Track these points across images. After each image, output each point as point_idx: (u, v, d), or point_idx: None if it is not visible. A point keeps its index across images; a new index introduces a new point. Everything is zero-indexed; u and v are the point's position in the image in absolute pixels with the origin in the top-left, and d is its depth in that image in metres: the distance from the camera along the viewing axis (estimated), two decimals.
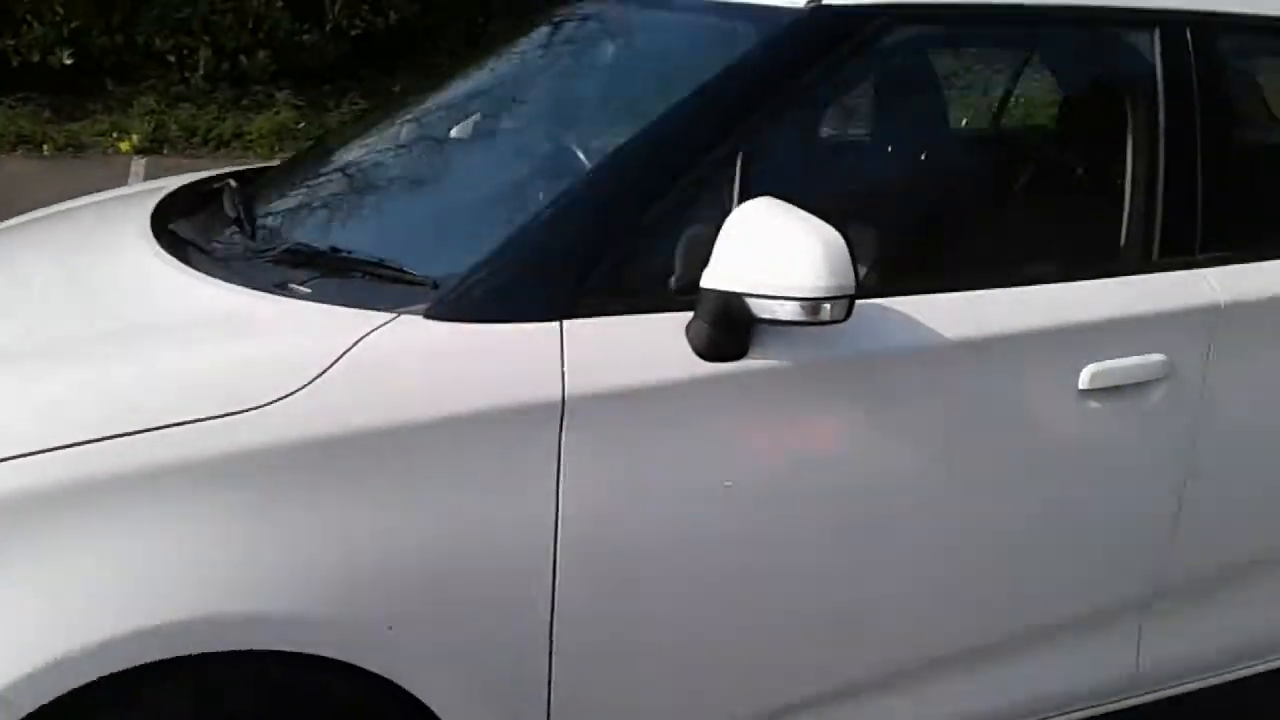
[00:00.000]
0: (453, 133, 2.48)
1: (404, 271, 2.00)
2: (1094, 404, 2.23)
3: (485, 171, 2.37)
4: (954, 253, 2.35)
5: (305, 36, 9.55)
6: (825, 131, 2.57)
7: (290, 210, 2.37)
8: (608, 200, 2.00)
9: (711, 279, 1.90)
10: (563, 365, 1.87)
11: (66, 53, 9.06)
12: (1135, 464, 2.32)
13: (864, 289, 1.97)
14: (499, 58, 2.78)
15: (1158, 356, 2.27)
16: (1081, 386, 2.21)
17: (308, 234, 2.25)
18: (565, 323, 1.90)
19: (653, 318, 1.96)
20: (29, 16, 8.99)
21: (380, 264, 2.05)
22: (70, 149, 8.65)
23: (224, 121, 8.98)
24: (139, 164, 8.50)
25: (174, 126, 8.92)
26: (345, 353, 1.79)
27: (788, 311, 1.86)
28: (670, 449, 1.95)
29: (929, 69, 2.58)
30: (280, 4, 9.47)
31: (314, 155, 2.75)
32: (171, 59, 9.32)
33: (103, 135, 8.81)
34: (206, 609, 1.70)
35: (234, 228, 2.34)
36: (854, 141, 2.73)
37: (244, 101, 9.27)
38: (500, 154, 2.43)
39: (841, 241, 1.84)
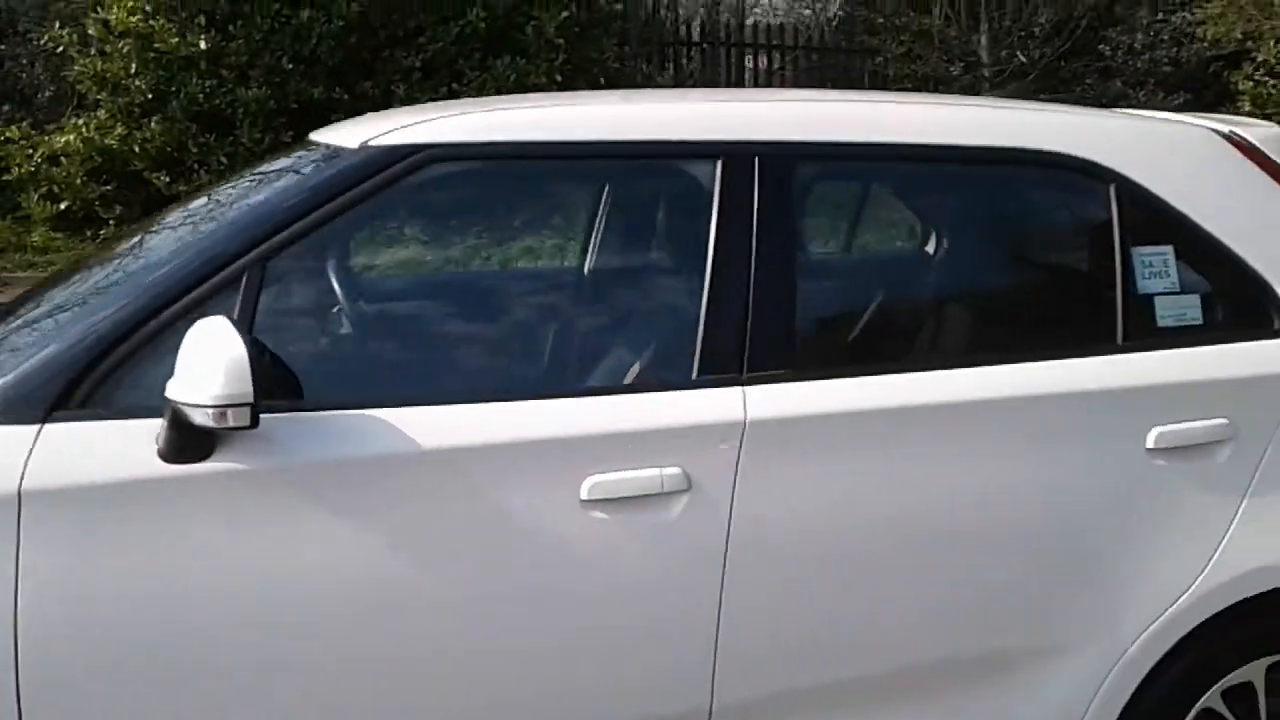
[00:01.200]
0: None
1: None
2: (598, 514, 2.32)
3: (64, 300, 2.64)
4: (456, 366, 2.49)
5: None
6: (364, 256, 2.77)
7: None
8: (104, 315, 2.26)
9: (169, 389, 2.14)
10: (26, 462, 2.14)
11: None
12: (658, 576, 2.36)
13: (360, 399, 2.17)
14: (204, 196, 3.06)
15: (673, 470, 2.34)
16: (583, 497, 2.31)
17: None
18: (46, 426, 2.17)
19: (138, 423, 2.21)
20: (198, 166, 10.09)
21: None
22: None
23: None
24: None
25: None
26: None
27: (205, 418, 2.08)
28: (135, 543, 2.16)
29: (469, 200, 2.74)
30: None
31: None
32: None
33: None
34: None
35: None
36: (403, 264, 2.90)
37: None
38: (85, 285, 2.69)
39: (242, 356, 2.05)
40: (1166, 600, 2.57)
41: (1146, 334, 2.60)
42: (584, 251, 2.80)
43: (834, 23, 13.71)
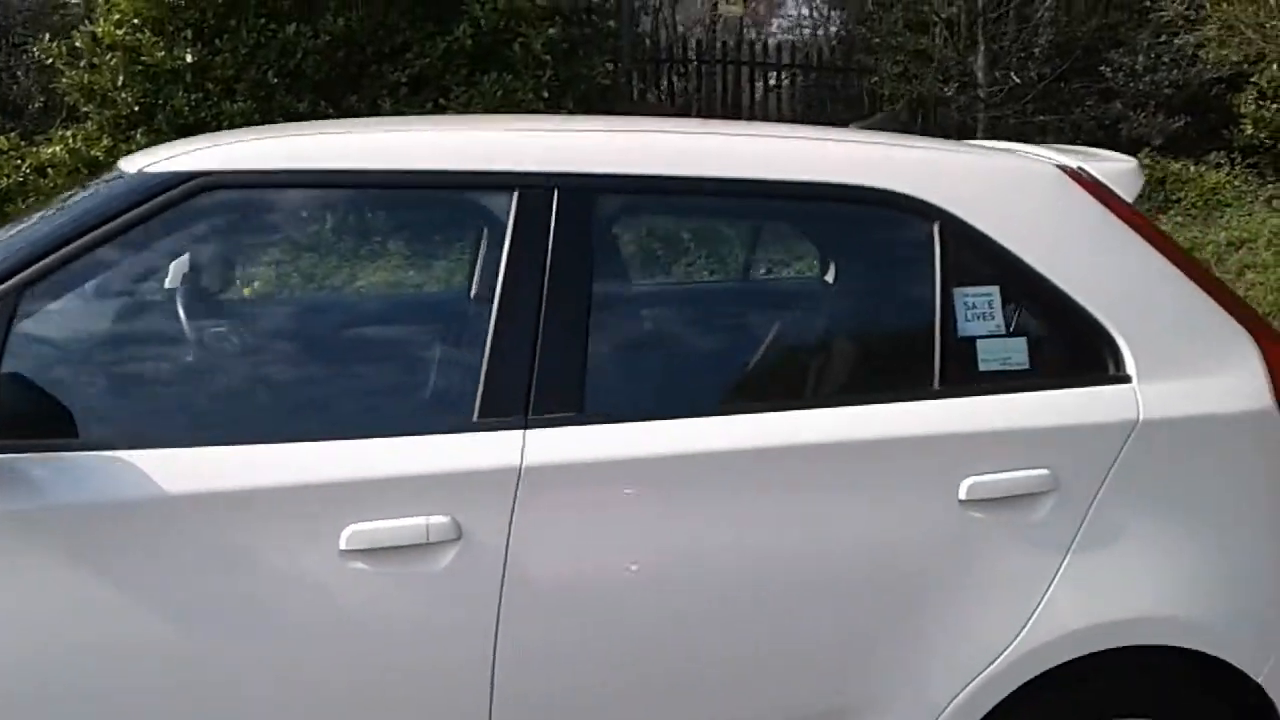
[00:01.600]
0: None
1: None
2: (358, 565, 2.21)
3: None
4: (215, 406, 2.38)
5: None
6: (134, 285, 2.66)
7: None
8: None
9: None
10: None
11: None
12: (424, 629, 2.25)
13: (115, 439, 2.08)
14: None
15: (440, 519, 2.23)
16: (342, 547, 2.20)
17: None
18: None
19: None
20: None
21: None
22: None
23: None
24: None
25: None
26: None
27: None
28: None
29: (246, 230, 2.64)
30: None
31: None
32: None
33: None
34: None
35: None
36: (173, 292, 2.79)
37: None
38: None
39: None
40: (982, 662, 2.42)
41: (965, 379, 2.46)
42: (367, 284, 2.69)
43: (833, 42, 13.54)
